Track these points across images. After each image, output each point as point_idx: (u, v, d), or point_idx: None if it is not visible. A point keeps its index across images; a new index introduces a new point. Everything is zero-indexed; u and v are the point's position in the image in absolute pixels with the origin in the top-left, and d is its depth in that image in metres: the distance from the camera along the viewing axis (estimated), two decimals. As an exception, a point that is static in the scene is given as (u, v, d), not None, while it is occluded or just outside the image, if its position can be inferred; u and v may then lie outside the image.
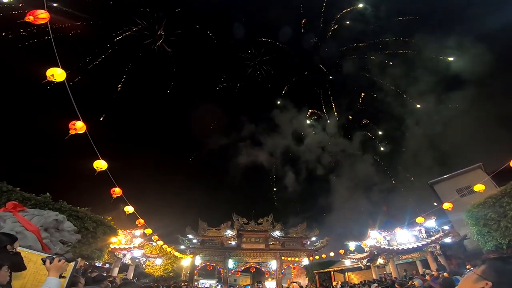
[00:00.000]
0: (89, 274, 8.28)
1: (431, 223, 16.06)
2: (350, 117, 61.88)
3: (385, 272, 18.65)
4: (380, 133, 59.72)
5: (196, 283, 27.27)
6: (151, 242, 20.44)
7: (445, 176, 23.42)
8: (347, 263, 22.15)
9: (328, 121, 63.95)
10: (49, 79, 5.61)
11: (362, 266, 19.93)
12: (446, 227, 16.40)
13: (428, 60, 49.05)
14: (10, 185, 7.94)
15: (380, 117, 59.42)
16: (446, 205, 13.07)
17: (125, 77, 46.22)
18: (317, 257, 27.15)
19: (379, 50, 54.53)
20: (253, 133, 68.24)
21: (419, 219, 15.34)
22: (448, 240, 15.26)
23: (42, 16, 5.19)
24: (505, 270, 1.05)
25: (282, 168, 68.74)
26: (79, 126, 6.95)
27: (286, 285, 19.76)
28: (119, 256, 17.79)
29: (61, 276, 2.72)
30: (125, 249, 17.59)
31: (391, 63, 53.00)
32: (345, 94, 67.72)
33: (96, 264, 16.27)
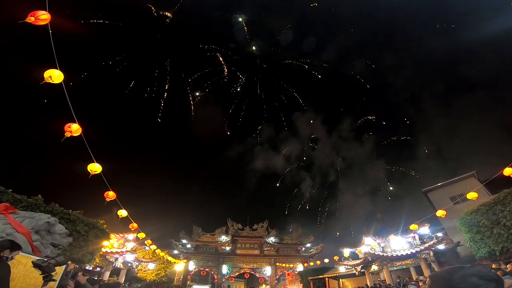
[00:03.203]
0: (78, 278, 8.12)
1: (425, 230, 16.16)
2: (351, 124, 62.47)
3: (379, 279, 18.64)
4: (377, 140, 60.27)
5: (189, 288, 26.93)
6: (144, 246, 20.16)
7: (439, 184, 23.62)
8: (342, 269, 22.07)
9: (328, 129, 64.43)
10: (47, 81, 5.56)
11: (357, 273, 19.88)
12: (439, 234, 16.51)
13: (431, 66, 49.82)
14: (1, 186, 7.83)
15: (378, 125, 60.10)
16: (440, 213, 13.18)
17: (122, 80, 46.13)
18: (311, 263, 27.04)
19: (384, 55, 55.50)
20: (251, 140, 68.35)
21: (413, 226, 15.43)
22: (441, 247, 15.33)
23: (43, 17, 5.16)
24: (437, 276, 1.12)
25: (278, 175, 68.74)
26: (74, 129, 6.90)
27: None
28: (110, 259, 17.49)
29: (51, 279, 2.68)
30: (117, 252, 17.30)
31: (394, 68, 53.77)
32: (345, 100, 68.28)
33: (87, 268, 15.98)
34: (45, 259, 2.67)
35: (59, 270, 4.16)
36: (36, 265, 2.60)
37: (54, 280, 2.76)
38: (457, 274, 1.02)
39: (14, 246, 2.95)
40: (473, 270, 1.02)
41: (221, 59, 54.95)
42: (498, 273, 6.92)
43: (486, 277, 0.98)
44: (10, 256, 2.87)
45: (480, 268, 1.04)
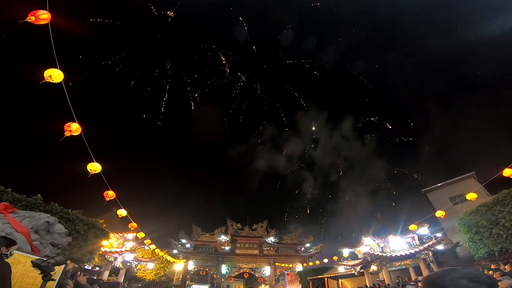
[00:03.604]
0: (77, 278, 8.11)
1: (424, 230, 16.18)
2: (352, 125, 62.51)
3: (378, 279, 18.65)
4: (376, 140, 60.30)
5: (188, 288, 26.95)
6: (143, 246, 20.16)
7: (438, 184, 23.64)
8: (341, 269, 22.08)
9: (326, 129, 64.50)
10: (47, 80, 5.56)
11: (356, 273, 19.89)
12: (438, 235, 16.53)
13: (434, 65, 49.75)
14: (1, 186, 7.81)
15: (379, 126, 60.16)
16: (439, 213, 13.20)
17: (122, 79, 46.10)
18: (311, 263, 27.05)
19: (386, 55, 55.52)
20: (251, 140, 68.38)
21: (412, 227, 15.44)
22: (440, 247, 15.35)
23: (43, 16, 5.15)
24: (429, 278, 1.14)
25: (278, 175, 68.78)
26: (74, 128, 6.89)
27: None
28: (110, 259, 17.49)
29: (50, 279, 2.68)
30: (116, 252, 17.29)
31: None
32: (347, 100, 68.23)
33: (86, 267, 15.97)
34: (45, 259, 2.68)
35: (58, 270, 4.16)
36: (35, 264, 2.61)
37: (53, 279, 2.76)
38: (448, 277, 1.03)
39: (10, 242, 2.94)
40: (464, 272, 1.03)
41: (222, 59, 54.97)
42: (497, 273, 6.93)
43: (476, 280, 0.98)
44: (8, 252, 2.87)
45: (471, 271, 1.05)
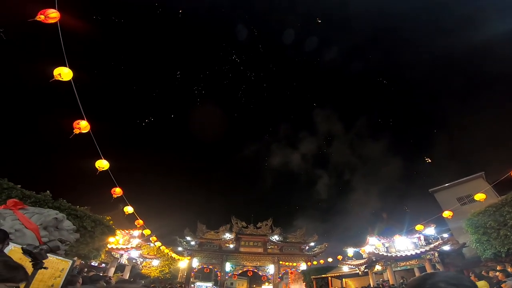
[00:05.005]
0: (85, 274, 8.26)
1: (431, 230, 16.01)
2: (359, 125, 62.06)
3: (382, 279, 18.55)
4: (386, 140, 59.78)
5: (192, 285, 27.12)
6: (148, 243, 20.33)
7: (446, 184, 23.37)
8: (345, 269, 22.01)
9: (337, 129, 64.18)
10: (56, 78, 5.63)
11: (360, 273, 19.80)
12: (445, 235, 16.36)
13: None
14: (11, 182, 7.93)
15: (388, 125, 59.65)
16: (446, 213, 13.05)
17: (131, 78, 46.41)
18: (315, 262, 27.01)
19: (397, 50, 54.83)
20: (256, 140, 68.44)
21: (418, 227, 15.30)
22: (446, 247, 15.19)
23: (53, 15, 5.22)
24: (412, 283, 1.12)
25: (282, 174, 68.77)
26: (83, 126, 6.98)
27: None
28: (116, 256, 17.68)
29: (41, 267, 2.46)
30: (122, 249, 17.47)
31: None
32: (352, 100, 67.75)
33: (92, 264, 16.18)
34: (37, 245, 2.51)
35: (66, 266, 4.20)
36: (26, 251, 2.33)
37: (45, 268, 2.50)
38: (428, 281, 1.02)
39: (5, 235, 2.84)
40: (444, 276, 1.02)
41: (232, 58, 54.97)
42: (501, 274, 6.82)
43: (454, 282, 0.97)
44: (6, 245, 2.82)
45: (452, 274, 1.04)
